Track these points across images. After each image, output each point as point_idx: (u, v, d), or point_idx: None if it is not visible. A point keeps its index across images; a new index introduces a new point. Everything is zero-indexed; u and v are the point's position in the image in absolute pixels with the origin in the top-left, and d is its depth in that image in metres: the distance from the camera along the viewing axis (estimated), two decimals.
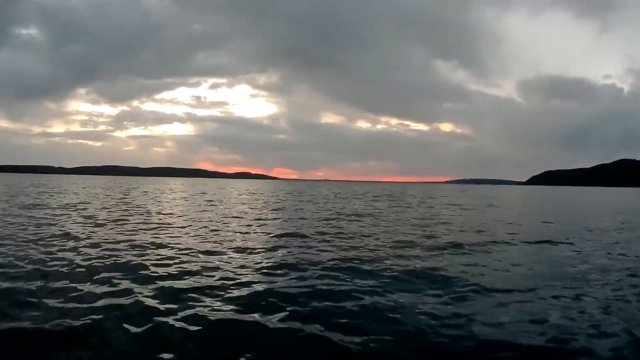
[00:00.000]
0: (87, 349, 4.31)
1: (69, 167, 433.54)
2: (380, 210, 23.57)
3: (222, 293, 6.17)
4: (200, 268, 7.69)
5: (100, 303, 5.54)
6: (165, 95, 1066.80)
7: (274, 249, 10.04)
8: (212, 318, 5.13)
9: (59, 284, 6.37)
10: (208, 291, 6.22)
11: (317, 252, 9.63)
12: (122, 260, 8.19)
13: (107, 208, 20.64)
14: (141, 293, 6.02)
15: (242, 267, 7.99)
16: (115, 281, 6.66)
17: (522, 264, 8.74)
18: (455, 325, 5.02)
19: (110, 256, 8.55)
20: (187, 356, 4.30)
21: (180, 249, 9.57)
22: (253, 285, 6.62)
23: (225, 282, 6.78)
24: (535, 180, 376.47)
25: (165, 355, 4.20)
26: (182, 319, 5.05)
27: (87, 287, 6.28)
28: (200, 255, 9.02)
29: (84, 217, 16.12)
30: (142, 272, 7.30)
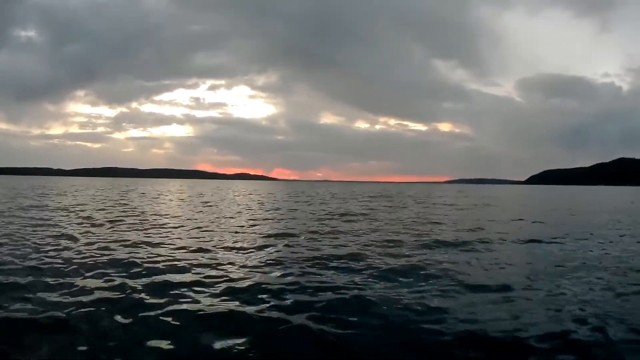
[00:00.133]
0: (77, 338, 4.55)
1: (67, 169, 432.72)
2: (375, 210, 23.78)
3: (209, 287, 6.46)
4: (188, 265, 7.98)
5: (91, 296, 5.82)
6: (164, 96, 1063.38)
7: (263, 247, 10.31)
8: (197, 309, 5.40)
9: (53, 279, 6.67)
10: (195, 286, 6.49)
11: (305, 250, 9.89)
12: (115, 257, 8.49)
13: (104, 209, 20.90)
14: (133, 287, 6.31)
15: (230, 264, 8.26)
16: (108, 276, 6.96)
17: (506, 262, 8.76)
18: (432, 320, 5.12)
19: (103, 254, 8.84)
20: (174, 344, 4.51)
21: (171, 248, 9.88)
22: (239, 280, 6.90)
23: (212, 277, 7.09)
24: (534, 180, 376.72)
25: (153, 343, 4.45)
26: (170, 311, 5.33)
27: (80, 281, 6.59)
28: (189, 253, 9.29)
29: (82, 217, 16.38)
30: (134, 269, 7.58)
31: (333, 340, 4.63)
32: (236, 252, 9.58)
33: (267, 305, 5.69)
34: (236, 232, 13.13)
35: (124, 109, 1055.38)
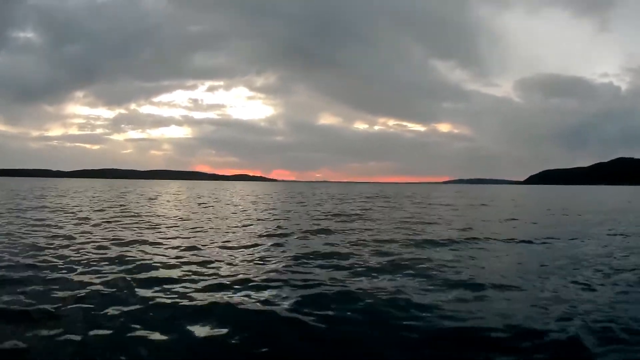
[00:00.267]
0: (69, 329, 4.78)
1: (66, 170, 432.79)
2: (369, 210, 23.94)
3: (197, 282, 6.74)
4: (179, 262, 8.25)
5: (84, 290, 6.11)
6: (163, 97, 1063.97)
7: (253, 245, 10.53)
8: (185, 302, 5.68)
9: (48, 274, 6.99)
10: (184, 281, 6.80)
11: (294, 248, 10.13)
12: (109, 255, 8.78)
13: (102, 210, 21.14)
14: (125, 282, 6.62)
15: (218, 261, 8.51)
16: (101, 272, 7.25)
17: (493, 261, 8.90)
18: (414, 315, 5.23)
19: (98, 252, 9.15)
20: (164, 334, 4.73)
21: (163, 246, 10.17)
22: (226, 277, 7.15)
23: (200, 273, 7.37)
24: (534, 180, 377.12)
25: (143, 333, 4.70)
26: (159, 304, 5.63)
27: (74, 276, 6.92)
28: (181, 251, 9.54)
29: (79, 218, 16.62)
30: (126, 265, 7.88)
31: (315, 332, 4.80)
32: (226, 250, 9.83)
33: (252, 299, 5.93)
34: (228, 232, 13.34)
35: (122, 111, 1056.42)
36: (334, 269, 7.85)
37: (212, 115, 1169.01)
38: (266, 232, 13.27)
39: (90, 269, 7.49)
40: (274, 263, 8.36)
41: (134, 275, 7.07)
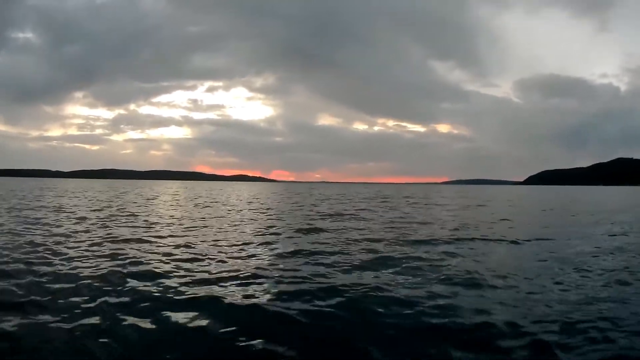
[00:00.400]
0: (61, 318, 5.03)
1: (66, 170, 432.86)
2: (365, 210, 24.07)
3: (186, 277, 7.03)
4: (170, 259, 8.53)
5: (77, 282, 6.43)
6: (162, 98, 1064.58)
7: (244, 243, 10.79)
8: (174, 294, 5.98)
9: (42, 268, 7.29)
10: (173, 275, 7.10)
11: (285, 246, 10.40)
12: (104, 252, 9.08)
13: (100, 210, 21.36)
14: (117, 275, 6.91)
15: (209, 257, 8.78)
16: (95, 267, 7.57)
17: (481, 260, 8.92)
18: (397, 311, 5.44)
19: (93, 248, 9.49)
20: (152, 323, 4.97)
21: (157, 244, 10.46)
22: (214, 272, 7.41)
23: (190, 269, 7.67)
24: (533, 180, 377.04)
25: (132, 321, 4.96)
26: (149, 295, 5.93)
27: (67, 270, 7.23)
28: (174, 248, 9.84)
29: (77, 217, 16.84)
30: (120, 260, 8.19)
31: (298, 325, 4.99)
32: (217, 248, 10.08)
33: (237, 293, 6.18)
34: (221, 231, 13.56)
35: (122, 111, 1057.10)
36: (320, 265, 8.08)
37: (212, 115, 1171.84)
38: (259, 231, 13.51)
39: (84, 264, 7.78)
40: (262, 260, 8.65)
41: (126, 270, 7.37)
